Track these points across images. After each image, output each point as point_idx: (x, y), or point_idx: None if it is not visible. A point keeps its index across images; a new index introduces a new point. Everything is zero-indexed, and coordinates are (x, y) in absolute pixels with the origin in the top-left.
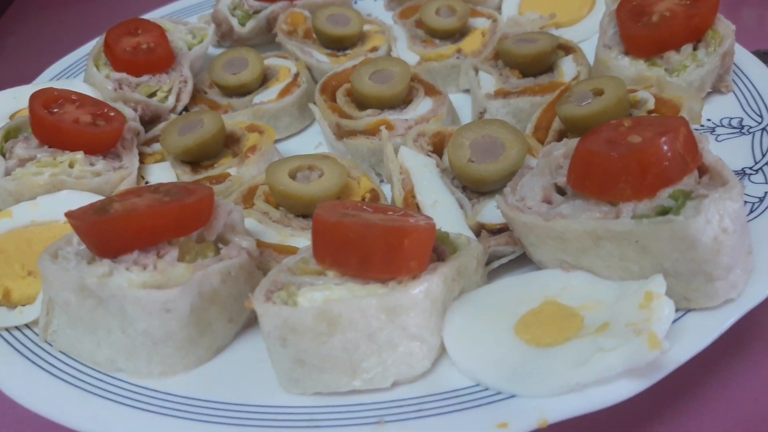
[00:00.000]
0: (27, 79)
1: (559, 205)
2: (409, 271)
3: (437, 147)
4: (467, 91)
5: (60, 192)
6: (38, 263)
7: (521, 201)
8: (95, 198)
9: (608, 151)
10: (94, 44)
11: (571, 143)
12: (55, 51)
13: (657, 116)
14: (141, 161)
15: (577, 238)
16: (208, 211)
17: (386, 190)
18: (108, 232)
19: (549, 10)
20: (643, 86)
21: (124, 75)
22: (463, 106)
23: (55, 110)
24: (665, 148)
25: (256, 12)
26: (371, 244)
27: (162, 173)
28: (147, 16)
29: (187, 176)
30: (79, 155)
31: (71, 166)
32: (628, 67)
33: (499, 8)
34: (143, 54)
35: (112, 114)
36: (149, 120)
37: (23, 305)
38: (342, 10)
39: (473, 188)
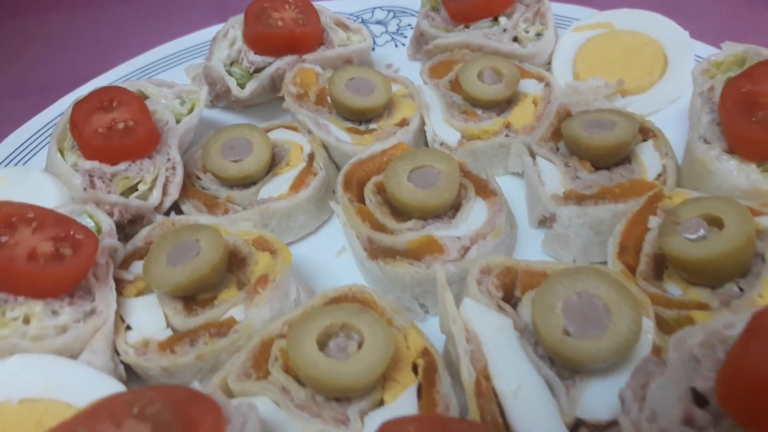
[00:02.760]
0: None
1: None
2: None
3: (508, 290)
4: (517, 173)
5: (11, 357)
6: None
7: (652, 420)
8: (57, 362)
9: None
10: (59, 114)
11: (710, 328)
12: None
13: None
14: (119, 292)
15: None
16: None
17: (433, 325)
18: None
19: (609, 71)
20: (760, 204)
21: (96, 164)
22: (514, 193)
23: (4, 238)
24: None
25: (258, 70)
26: None
27: (147, 312)
28: (123, 69)
29: (179, 317)
30: (38, 307)
31: (27, 321)
32: (736, 173)
33: (548, 64)
34: (120, 136)
35: (80, 236)
36: (130, 221)
37: None
38: (363, 72)
39: (568, 366)
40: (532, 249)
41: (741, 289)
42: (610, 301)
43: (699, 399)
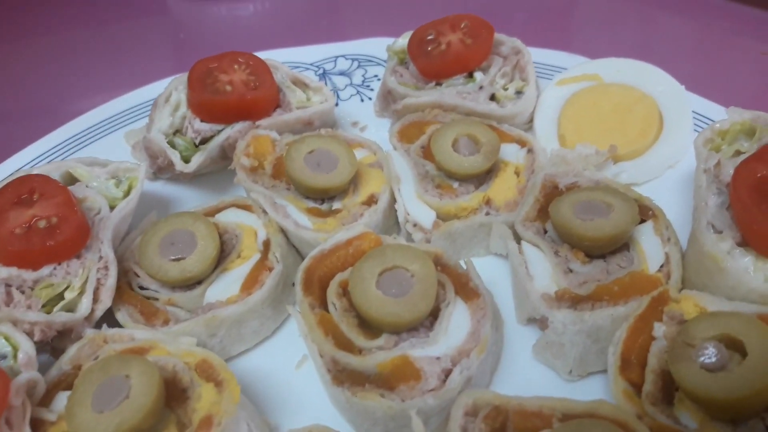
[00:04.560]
0: None
1: None
2: None
3: None
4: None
5: None
6: None
7: None
8: None
9: None
10: None
11: None
12: None
13: None
14: None
15: None
16: None
17: None
18: None
19: (599, 132)
20: None
21: (14, 271)
22: (498, 277)
23: None
24: None
25: (205, 140)
26: None
27: None
28: (51, 140)
29: None
30: None
31: None
32: (753, 273)
33: (529, 123)
34: (41, 236)
35: None
36: (55, 336)
37: None
38: (324, 143)
39: None
40: (520, 350)
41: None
42: None
43: None
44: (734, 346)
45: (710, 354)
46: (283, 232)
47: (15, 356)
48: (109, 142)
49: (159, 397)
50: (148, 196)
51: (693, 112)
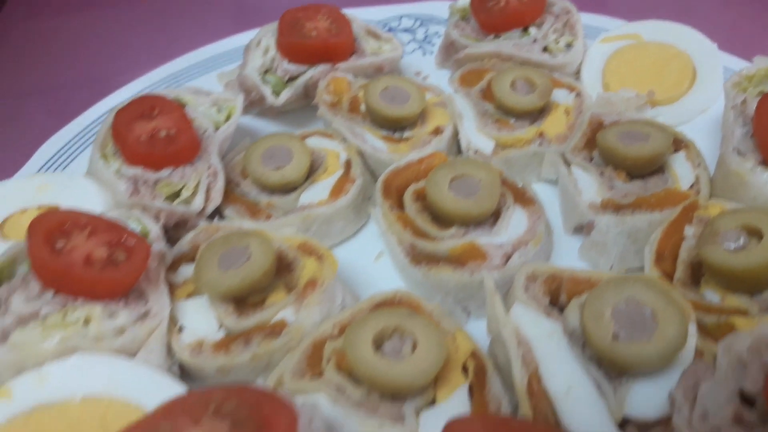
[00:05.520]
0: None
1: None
2: None
3: (553, 296)
4: (548, 180)
5: (72, 357)
6: None
7: (704, 419)
8: (117, 362)
9: None
10: (94, 120)
11: (756, 334)
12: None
13: None
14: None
15: None
16: None
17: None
18: None
19: (638, 82)
20: None
21: (139, 170)
22: (546, 200)
23: (61, 244)
24: None
25: (292, 78)
26: None
27: (199, 314)
28: (153, 76)
29: (231, 318)
30: (97, 310)
31: (87, 323)
32: None
33: (577, 74)
34: (162, 144)
35: (132, 242)
36: (174, 226)
37: None
38: (397, 81)
39: (617, 369)
40: (567, 254)
41: None
42: (657, 307)
43: (746, 400)
44: (753, 233)
45: (732, 237)
46: (361, 155)
47: (145, 236)
48: (198, 83)
49: (274, 260)
50: (238, 129)
51: (723, 66)
